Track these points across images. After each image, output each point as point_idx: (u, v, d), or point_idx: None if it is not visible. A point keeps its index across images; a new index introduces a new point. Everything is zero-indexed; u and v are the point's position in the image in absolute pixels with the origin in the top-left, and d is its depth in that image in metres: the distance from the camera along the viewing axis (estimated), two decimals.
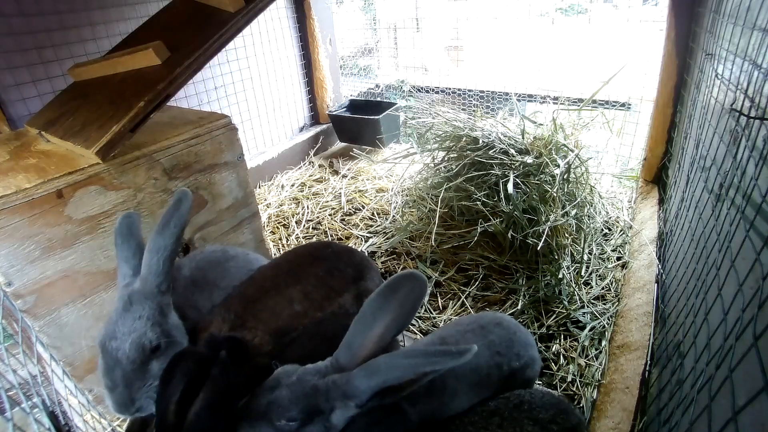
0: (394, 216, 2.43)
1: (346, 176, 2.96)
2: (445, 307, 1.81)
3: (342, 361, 0.78)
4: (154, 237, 0.93)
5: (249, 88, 2.93)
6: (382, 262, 2.10)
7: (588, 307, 1.71)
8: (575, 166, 2.01)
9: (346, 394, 0.74)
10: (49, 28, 1.92)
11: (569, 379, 1.45)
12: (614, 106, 2.69)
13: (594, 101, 2.46)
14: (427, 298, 1.85)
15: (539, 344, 1.59)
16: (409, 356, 0.73)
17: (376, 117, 3.05)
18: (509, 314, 1.71)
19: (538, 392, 0.95)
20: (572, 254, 1.93)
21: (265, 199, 2.75)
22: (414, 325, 1.74)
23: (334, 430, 0.76)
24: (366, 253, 1.99)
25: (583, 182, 2.10)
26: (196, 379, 0.80)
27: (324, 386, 0.75)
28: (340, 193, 2.73)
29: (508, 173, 1.89)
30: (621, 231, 2.13)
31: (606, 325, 1.62)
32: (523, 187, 1.89)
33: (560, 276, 1.79)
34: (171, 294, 0.98)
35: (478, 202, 1.92)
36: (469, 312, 1.77)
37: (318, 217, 2.52)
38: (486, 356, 0.98)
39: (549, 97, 3.01)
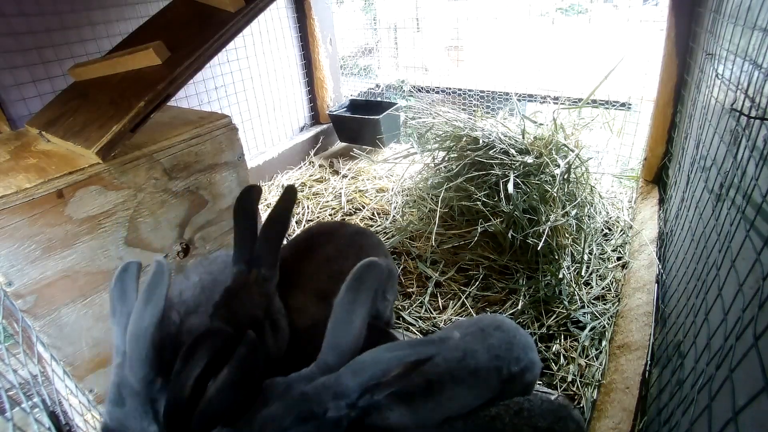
0: (394, 216, 2.43)
1: (347, 176, 2.96)
2: (445, 307, 1.81)
3: (331, 361, 0.78)
4: (134, 320, 0.81)
5: (249, 88, 2.93)
6: None
7: (588, 307, 1.71)
8: (575, 166, 2.01)
9: (336, 395, 0.74)
10: (49, 28, 1.92)
11: (569, 379, 1.45)
12: (614, 106, 2.69)
13: (594, 101, 2.46)
14: (427, 298, 1.85)
15: (539, 344, 1.59)
16: (393, 350, 0.73)
17: (377, 117, 3.05)
18: (509, 314, 1.71)
19: (537, 399, 0.95)
20: (572, 254, 1.93)
21: (266, 199, 2.75)
22: (414, 325, 1.74)
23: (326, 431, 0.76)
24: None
25: (584, 182, 2.10)
26: (220, 358, 0.78)
27: (313, 391, 0.75)
28: (341, 193, 2.74)
29: (509, 173, 1.89)
30: (621, 231, 2.13)
31: (606, 325, 1.62)
32: (523, 187, 1.89)
33: (560, 276, 1.79)
34: (162, 381, 0.85)
35: (478, 202, 1.92)
36: (470, 312, 1.77)
37: (318, 217, 2.52)
38: (485, 360, 0.98)
39: (549, 97, 3.01)
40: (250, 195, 1.12)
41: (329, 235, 1.33)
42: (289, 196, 1.14)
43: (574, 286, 1.78)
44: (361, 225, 2.42)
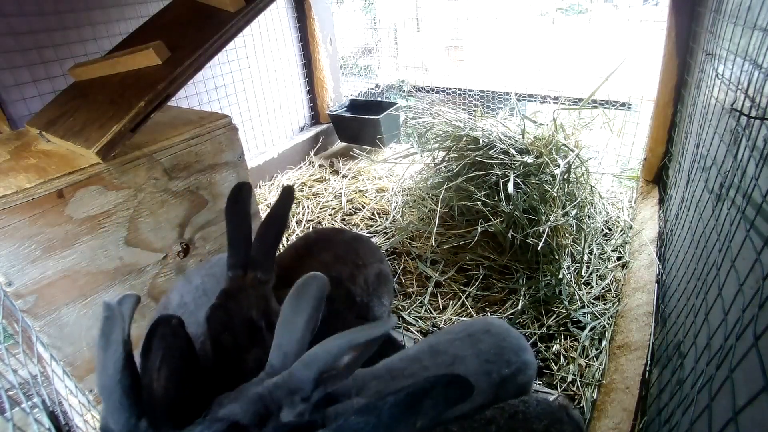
0: (394, 216, 2.43)
1: (347, 176, 2.96)
2: (445, 307, 1.81)
3: (276, 364, 0.78)
4: (99, 371, 0.76)
5: (249, 87, 2.93)
6: None
7: (588, 307, 1.71)
8: (575, 166, 2.01)
9: (290, 390, 0.75)
10: (49, 27, 1.92)
11: (569, 379, 1.45)
12: (614, 106, 2.69)
13: (594, 101, 2.46)
14: (427, 298, 1.85)
15: (539, 344, 1.59)
16: (341, 337, 0.74)
17: (377, 117, 3.05)
18: (509, 314, 1.71)
19: (533, 401, 0.94)
20: (572, 254, 1.93)
21: (266, 199, 2.75)
22: (413, 325, 1.74)
23: (285, 429, 0.76)
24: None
25: (584, 182, 2.10)
26: (174, 345, 0.80)
27: (266, 390, 0.75)
28: (341, 193, 2.74)
29: (509, 173, 1.89)
30: (621, 231, 2.13)
31: (606, 325, 1.62)
32: (523, 187, 1.89)
33: (560, 276, 1.79)
34: (147, 421, 0.80)
35: (478, 202, 1.92)
36: (470, 312, 1.77)
37: (318, 217, 2.52)
38: (474, 365, 0.97)
39: (549, 96, 3.01)
40: (242, 194, 1.10)
41: (327, 241, 1.35)
42: (287, 197, 1.13)
43: (574, 286, 1.78)
44: (362, 225, 2.42)
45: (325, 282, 0.84)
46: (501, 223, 1.89)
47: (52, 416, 1.00)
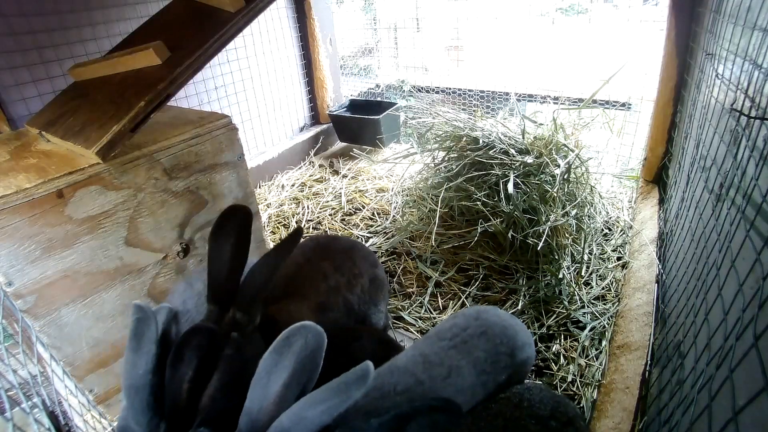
0: (394, 216, 2.43)
1: (347, 176, 2.96)
2: (445, 307, 1.81)
3: (243, 429, 0.70)
4: (128, 371, 0.77)
5: (249, 88, 2.93)
6: (382, 262, 2.10)
7: (588, 307, 1.71)
8: (575, 166, 2.01)
9: None
10: (49, 27, 1.92)
11: (569, 379, 1.45)
12: (614, 106, 2.69)
13: (594, 101, 2.46)
14: (427, 298, 1.85)
15: (539, 344, 1.59)
16: (314, 403, 0.65)
17: (377, 117, 3.05)
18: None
19: (536, 388, 0.95)
20: (572, 254, 1.93)
21: (266, 199, 2.75)
22: (413, 325, 1.74)
23: None
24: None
25: (584, 182, 2.10)
26: (209, 356, 0.76)
27: None
28: (341, 193, 2.74)
29: (509, 173, 1.89)
30: (621, 231, 2.13)
31: (606, 325, 1.62)
32: (523, 187, 1.89)
33: (560, 276, 1.79)
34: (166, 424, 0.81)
35: (478, 202, 1.92)
36: None
37: (318, 217, 2.52)
38: (471, 376, 0.94)
39: (549, 97, 3.01)
40: (236, 216, 0.95)
41: (324, 250, 1.33)
42: (293, 239, 0.97)
43: (574, 286, 1.78)
44: (361, 225, 2.42)
45: (319, 334, 0.71)
46: (501, 223, 1.89)
47: (52, 416, 1.00)
